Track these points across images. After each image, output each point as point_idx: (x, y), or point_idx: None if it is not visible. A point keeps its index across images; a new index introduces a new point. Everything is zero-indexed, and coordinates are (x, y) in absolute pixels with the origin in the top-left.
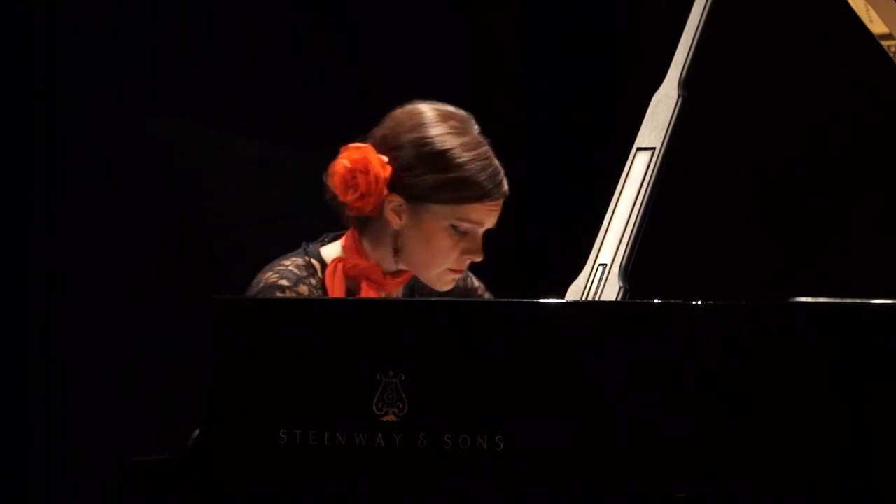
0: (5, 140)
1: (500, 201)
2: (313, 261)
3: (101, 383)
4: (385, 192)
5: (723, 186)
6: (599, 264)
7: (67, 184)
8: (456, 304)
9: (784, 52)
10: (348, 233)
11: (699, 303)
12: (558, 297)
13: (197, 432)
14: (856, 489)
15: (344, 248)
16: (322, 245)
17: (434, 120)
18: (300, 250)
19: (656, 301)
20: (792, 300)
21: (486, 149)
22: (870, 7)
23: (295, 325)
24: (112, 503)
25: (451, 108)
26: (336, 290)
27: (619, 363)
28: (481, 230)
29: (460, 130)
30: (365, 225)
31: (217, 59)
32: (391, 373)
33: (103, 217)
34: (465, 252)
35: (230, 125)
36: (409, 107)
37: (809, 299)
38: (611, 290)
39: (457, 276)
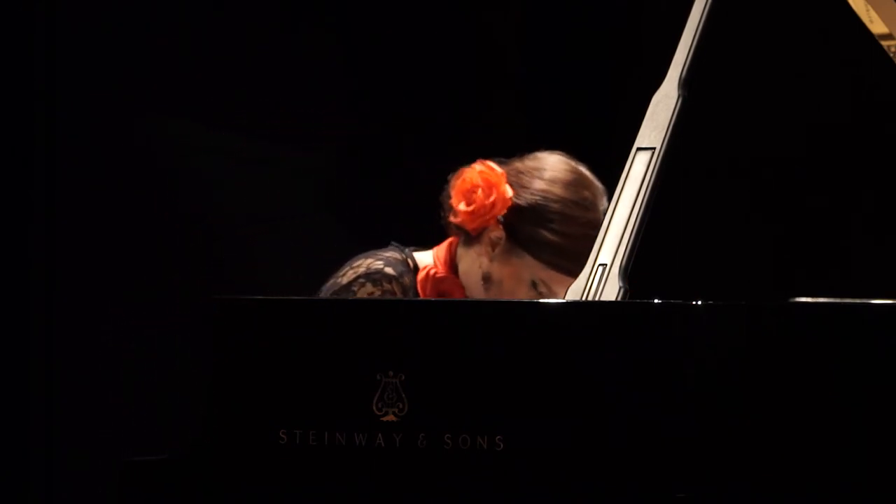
0: (5, 140)
1: (570, 278)
2: (409, 260)
3: (101, 383)
4: (493, 221)
5: (723, 186)
6: (599, 264)
7: (67, 184)
8: (456, 304)
9: (784, 52)
10: (447, 242)
11: (699, 303)
12: (558, 297)
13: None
14: (856, 489)
15: (436, 256)
16: (413, 249)
17: (572, 182)
18: (393, 247)
19: (656, 301)
20: (792, 300)
21: (592, 234)
22: (870, 7)
23: (295, 325)
24: (112, 503)
25: (591, 178)
26: (428, 295)
27: (619, 363)
28: (551, 295)
29: (589, 205)
30: (464, 240)
31: (217, 59)
32: (391, 373)
33: (103, 217)
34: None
35: (230, 125)
36: (557, 157)
37: (809, 299)
38: (611, 290)
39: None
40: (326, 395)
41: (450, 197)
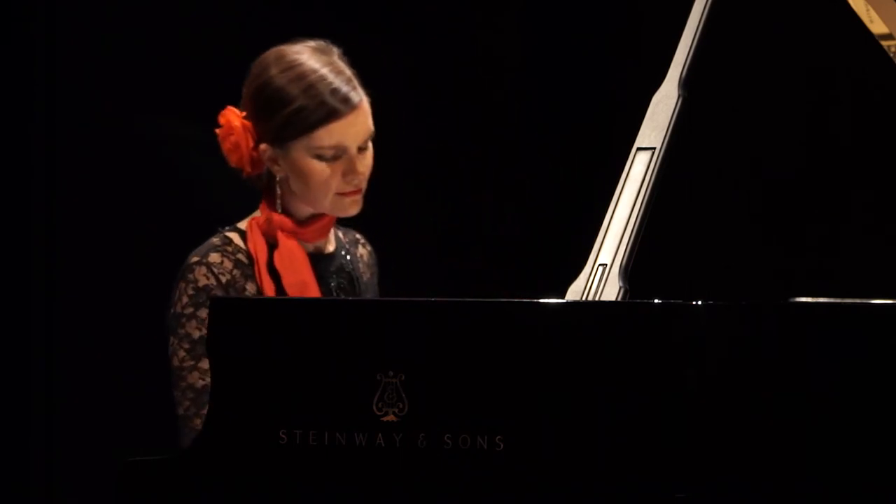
0: (5, 140)
1: (353, 117)
2: (227, 234)
3: (101, 383)
4: (251, 144)
5: (723, 186)
6: (599, 264)
7: (67, 184)
8: (456, 305)
9: (784, 52)
10: (262, 197)
11: (699, 303)
12: (558, 297)
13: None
14: (856, 489)
15: (261, 211)
16: (240, 222)
17: (272, 62)
18: (217, 231)
19: (656, 301)
20: (792, 300)
21: (322, 73)
22: (870, 7)
23: (295, 324)
24: (112, 503)
25: (297, 45)
26: (258, 247)
27: (619, 363)
28: (351, 150)
29: (294, 63)
30: (267, 185)
31: (217, 59)
32: (391, 373)
33: (103, 217)
34: (344, 175)
35: None
36: (259, 58)
37: (809, 299)
38: (611, 290)
39: (354, 198)
40: (326, 395)
41: (233, 164)
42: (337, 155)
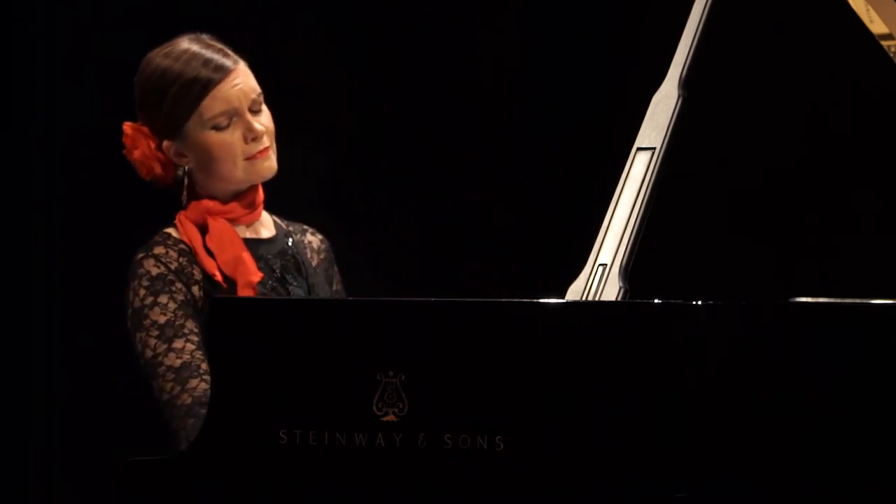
0: (5, 140)
1: (232, 77)
2: (166, 229)
3: (101, 383)
4: (153, 146)
5: (723, 186)
6: (599, 264)
7: (67, 184)
8: (456, 305)
9: (784, 52)
10: (182, 195)
11: (699, 303)
12: (558, 297)
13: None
14: (856, 489)
15: (183, 206)
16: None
17: (144, 64)
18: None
19: (656, 301)
20: (792, 300)
21: (191, 50)
22: (870, 7)
23: (295, 325)
24: (112, 503)
25: (164, 46)
26: (191, 235)
27: (619, 363)
28: (242, 111)
29: (161, 54)
30: (180, 184)
31: None
32: (391, 373)
33: (103, 217)
34: (245, 138)
35: None
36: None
37: (809, 299)
38: (611, 290)
39: (264, 157)
40: (326, 395)
41: (150, 181)
42: (230, 120)
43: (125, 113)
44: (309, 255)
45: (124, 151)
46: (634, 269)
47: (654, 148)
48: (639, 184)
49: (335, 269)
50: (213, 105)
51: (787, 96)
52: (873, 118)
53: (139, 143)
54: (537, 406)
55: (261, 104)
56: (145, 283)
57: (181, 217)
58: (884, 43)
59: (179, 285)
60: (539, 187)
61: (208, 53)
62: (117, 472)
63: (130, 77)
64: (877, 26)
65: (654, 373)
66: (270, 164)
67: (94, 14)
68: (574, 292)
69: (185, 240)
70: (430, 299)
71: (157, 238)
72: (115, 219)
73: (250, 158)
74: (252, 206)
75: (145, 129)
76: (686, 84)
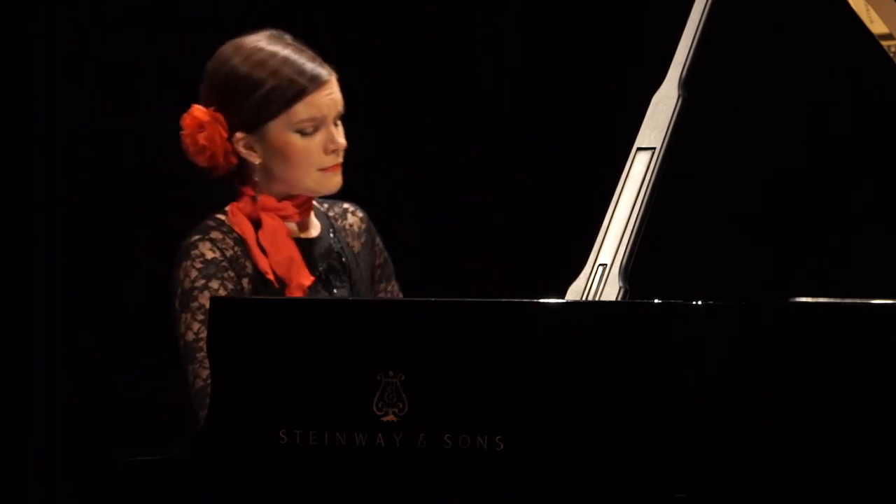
0: (5, 140)
1: (329, 86)
2: (218, 216)
3: (101, 383)
4: (225, 135)
5: (722, 186)
6: (599, 264)
7: (67, 184)
8: (456, 305)
9: (784, 52)
10: (238, 189)
11: (699, 303)
12: (558, 297)
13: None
14: (856, 489)
15: (238, 199)
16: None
17: (233, 52)
18: (206, 216)
19: (656, 301)
20: (792, 300)
21: (285, 53)
22: (870, 7)
23: (294, 324)
24: (112, 503)
25: (249, 37)
26: (244, 227)
27: (619, 363)
28: (328, 120)
29: (255, 49)
30: (240, 176)
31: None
32: (391, 373)
33: (103, 217)
34: (325, 148)
35: None
36: (215, 54)
37: (809, 299)
38: (611, 290)
39: (336, 172)
40: (326, 395)
41: (202, 168)
42: (316, 128)
43: (125, 113)
44: (350, 242)
45: (184, 133)
46: (634, 269)
47: (654, 148)
48: (639, 184)
49: (377, 241)
50: (304, 110)
51: (787, 96)
52: (873, 118)
53: (210, 129)
54: (537, 406)
55: (339, 119)
56: (198, 265)
57: (233, 208)
58: (884, 43)
59: (231, 274)
60: (539, 187)
61: (303, 59)
62: (117, 472)
63: (130, 77)
64: (877, 26)
65: (654, 373)
66: (339, 179)
67: (94, 14)
68: (574, 292)
69: (238, 231)
70: (430, 299)
71: (211, 223)
72: (115, 219)
73: (324, 170)
74: (306, 210)
75: (220, 116)
76: (686, 84)
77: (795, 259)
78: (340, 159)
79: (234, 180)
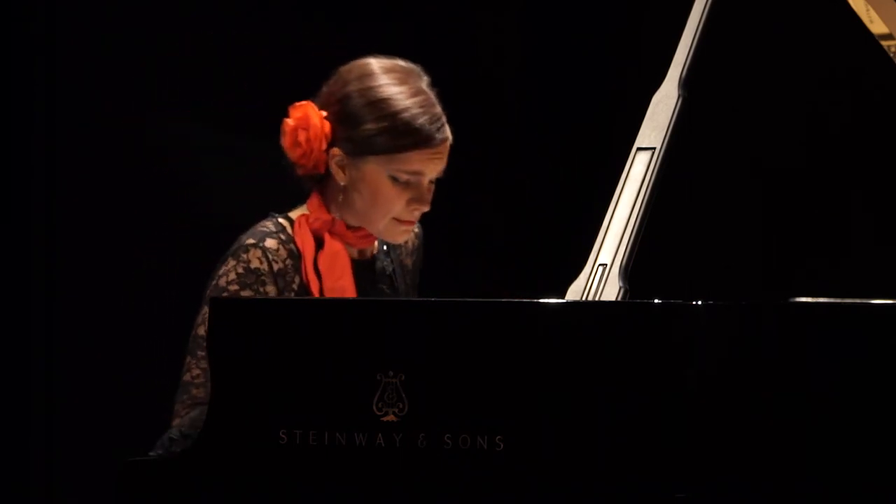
0: (5, 140)
1: (441, 149)
2: (281, 220)
3: (101, 383)
4: (324, 146)
5: (723, 186)
6: (599, 264)
7: (67, 184)
8: (456, 304)
9: (784, 52)
10: (312, 194)
11: (699, 303)
12: (558, 297)
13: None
14: (856, 489)
15: (309, 206)
16: (289, 211)
17: (375, 72)
18: (269, 216)
19: (656, 301)
20: (792, 300)
21: (424, 97)
22: (870, 7)
23: (294, 325)
24: (112, 503)
25: (397, 61)
26: (305, 243)
27: (619, 363)
28: (425, 180)
29: (400, 80)
30: (321, 184)
31: (217, 58)
32: (391, 373)
33: (104, 217)
34: (410, 202)
35: (231, 125)
36: (355, 61)
37: (809, 299)
38: (611, 290)
39: (408, 228)
40: (326, 395)
41: (287, 157)
42: (411, 181)
43: (125, 113)
44: (404, 260)
45: (289, 123)
46: (634, 269)
47: (654, 148)
48: (639, 184)
49: (421, 254)
50: (409, 161)
51: (787, 96)
52: (873, 118)
53: (314, 133)
54: (537, 406)
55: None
56: (240, 271)
57: (302, 220)
58: (884, 43)
59: (270, 288)
60: (539, 187)
61: (431, 112)
62: (117, 472)
63: (131, 77)
64: (877, 26)
65: (654, 373)
66: (408, 235)
67: (94, 14)
68: (574, 292)
69: (298, 244)
70: (430, 299)
71: (271, 227)
72: (115, 219)
73: (399, 221)
74: (368, 240)
75: (329, 127)
76: (686, 84)
77: (795, 259)
78: (417, 218)
79: (307, 184)
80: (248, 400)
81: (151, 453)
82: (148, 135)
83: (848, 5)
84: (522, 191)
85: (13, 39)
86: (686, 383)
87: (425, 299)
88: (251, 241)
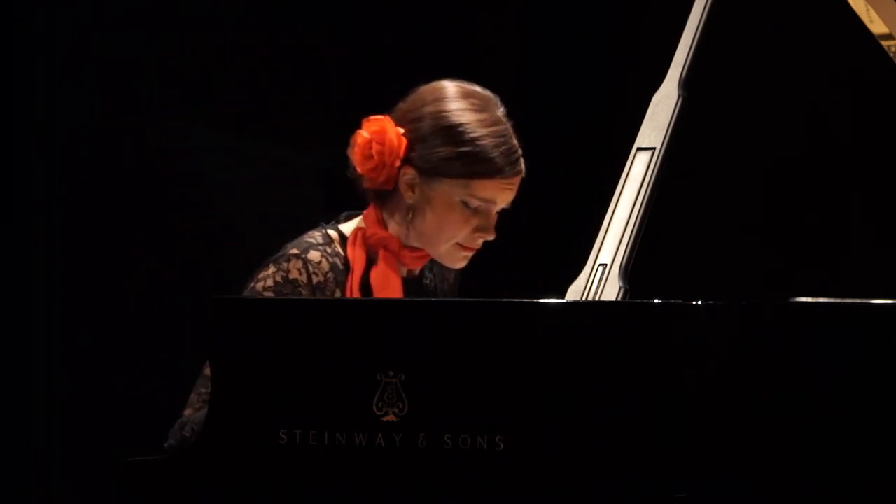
0: (5, 140)
1: (515, 180)
2: (330, 231)
3: (101, 383)
4: (398, 163)
5: (722, 186)
6: (599, 264)
7: (67, 184)
8: (456, 304)
9: (784, 52)
10: (369, 206)
11: (699, 303)
12: (558, 297)
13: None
14: (856, 489)
15: (365, 219)
16: (339, 222)
17: (454, 95)
18: (319, 225)
19: (656, 301)
20: (792, 300)
21: (503, 127)
22: (870, 7)
23: (295, 324)
24: (112, 503)
25: (476, 88)
26: (357, 258)
27: (619, 363)
28: (494, 208)
29: (479, 107)
30: (383, 199)
31: (217, 59)
32: (391, 373)
33: (104, 217)
34: (476, 229)
35: (231, 125)
36: (435, 83)
37: (809, 299)
38: (611, 290)
39: (468, 254)
40: (326, 395)
41: (355, 169)
42: (481, 208)
43: (125, 113)
44: (446, 275)
45: (363, 136)
46: (634, 269)
47: (654, 148)
48: (639, 184)
49: (459, 272)
50: (483, 188)
51: (787, 96)
52: (873, 118)
53: (388, 148)
54: (537, 406)
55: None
56: (278, 279)
57: (358, 234)
58: (884, 43)
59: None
60: (539, 187)
61: (510, 143)
62: (117, 472)
63: (130, 77)
64: (877, 26)
65: (654, 373)
66: (466, 261)
67: (94, 14)
68: (574, 292)
69: (350, 256)
70: (430, 299)
71: (318, 238)
72: (115, 219)
73: (461, 246)
74: (422, 261)
75: (405, 144)
76: (686, 84)
77: (795, 259)
78: (479, 246)
79: (369, 196)
80: (248, 400)
81: (165, 444)
82: (148, 135)
83: (848, 5)
84: (522, 191)
85: (13, 39)
86: (686, 383)
87: (425, 299)
88: (295, 251)
